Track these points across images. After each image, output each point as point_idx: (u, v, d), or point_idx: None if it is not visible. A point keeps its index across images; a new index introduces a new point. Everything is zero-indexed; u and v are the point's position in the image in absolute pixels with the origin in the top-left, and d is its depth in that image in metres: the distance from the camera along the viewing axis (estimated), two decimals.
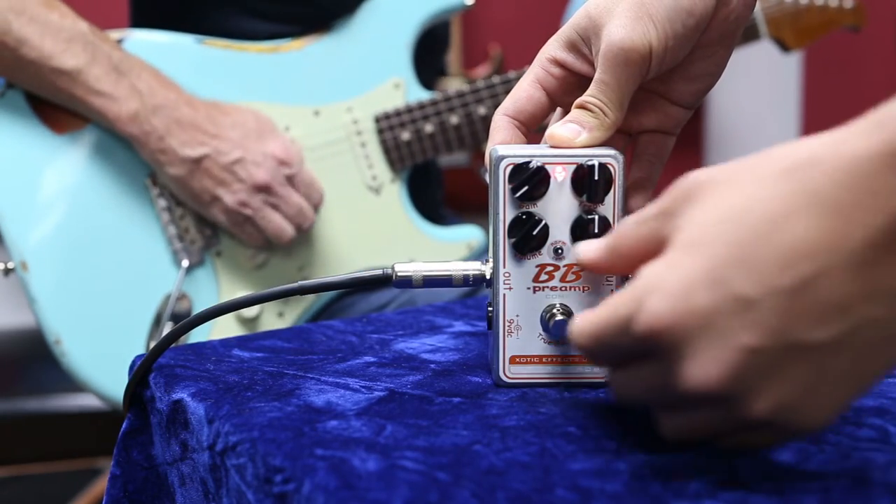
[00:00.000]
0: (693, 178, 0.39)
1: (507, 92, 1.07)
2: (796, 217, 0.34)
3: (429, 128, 1.08)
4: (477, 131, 1.10)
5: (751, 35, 1.17)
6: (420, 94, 1.10)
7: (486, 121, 1.09)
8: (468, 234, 1.12)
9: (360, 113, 1.08)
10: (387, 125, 1.08)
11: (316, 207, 1.02)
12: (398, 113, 1.08)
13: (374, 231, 1.09)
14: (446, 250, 1.11)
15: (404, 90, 1.09)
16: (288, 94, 1.07)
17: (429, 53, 1.15)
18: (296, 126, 1.06)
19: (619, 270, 0.43)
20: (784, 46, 1.21)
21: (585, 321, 0.40)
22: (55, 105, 1.00)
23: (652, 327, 0.36)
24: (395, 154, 1.09)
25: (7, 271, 1.00)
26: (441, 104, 1.09)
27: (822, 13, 1.19)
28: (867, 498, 0.37)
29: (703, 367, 0.35)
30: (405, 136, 1.08)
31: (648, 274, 0.38)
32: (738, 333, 0.35)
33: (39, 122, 1.01)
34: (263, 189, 0.98)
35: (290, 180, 0.99)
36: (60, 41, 0.94)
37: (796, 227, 0.34)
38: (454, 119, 1.09)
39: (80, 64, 0.95)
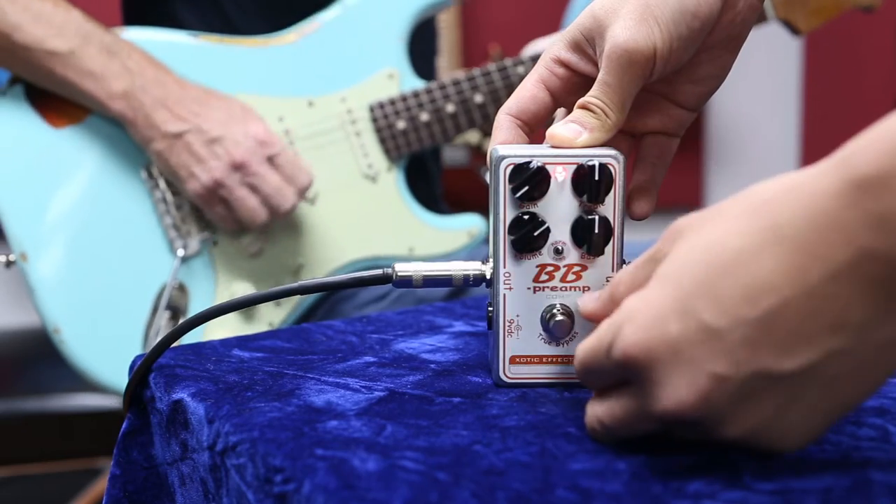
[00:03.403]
0: (681, 221, 0.41)
1: (504, 80, 1.09)
2: (761, 252, 0.36)
3: (424, 116, 1.09)
4: (474, 119, 1.10)
5: (758, 17, 1.14)
6: (415, 84, 1.10)
7: (483, 109, 1.09)
8: (469, 222, 1.11)
9: (355, 103, 1.09)
10: (381, 114, 1.08)
11: (302, 192, 1.02)
12: (392, 102, 1.09)
13: (372, 219, 1.09)
14: (446, 238, 1.10)
15: (398, 80, 1.10)
16: (282, 87, 1.08)
17: (417, 50, 1.16)
18: (290, 117, 1.07)
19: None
20: (794, 29, 1.14)
21: (579, 348, 0.43)
22: (53, 101, 1.02)
23: (626, 353, 0.38)
24: (390, 143, 1.09)
25: (9, 263, 1.01)
26: (436, 92, 1.09)
27: None
28: (867, 498, 0.37)
29: (675, 393, 0.37)
30: (400, 124, 1.09)
31: (627, 304, 0.40)
32: (707, 362, 0.36)
33: (38, 117, 1.02)
34: (240, 167, 0.98)
35: (271, 161, 1.00)
36: (53, 26, 0.97)
37: (761, 262, 0.36)
38: (450, 107, 1.09)
39: (73, 46, 0.97)
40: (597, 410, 0.43)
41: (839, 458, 0.41)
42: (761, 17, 1.12)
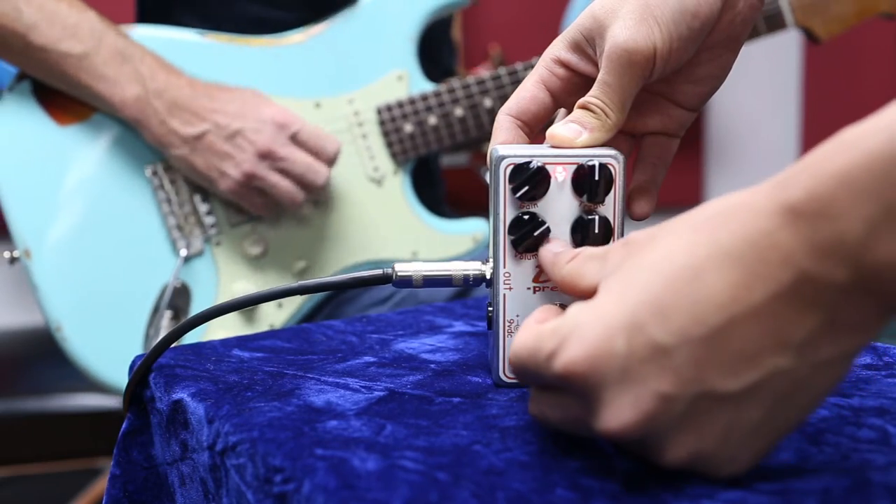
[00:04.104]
0: (634, 234, 0.41)
1: (514, 84, 1.08)
2: (706, 268, 0.36)
3: (432, 120, 1.08)
4: (483, 124, 1.09)
5: (776, 24, 1.11)
6: (424, 87, 1.10)
7: (492, 113, 1.08)
8: (473, 227, 1.11)
9: (362, 105, 1.08)
10: (388, 117, 1.08)
11: (332, 161, 1.02)
12: (400, 105, 1.08)
13: (377, 222, 1.09)
14: (450, 243, 1.10)
15: (408, 82, 1.09)
16: (289, 87, 1.07)
17: (426, 52, 1.15)
18: None
19: (552, 282, 0.47)
20: (813, 37, 1.13)
21: (516, 341, 0.42)
22: (60, 98, 1.02)
23: (568, 368, 0.37)
24: (397, 146, 1.08)
25: (12, 260, 1.02)
26: (445, 96, 1.08)
27: None
28: (866, 499, 0.37)
29: (618, 412, 0.36)
30: (408, 128, 1.08)
31: (575, 314, 0.39)
32: (653, 380, 0.36)
33: (45, 115, 1.03)
34: (267, 155, 0.98)
35: (294, 139, 1.00)
36: (68, 27, 0.97)
37: (706, 279, 0.36)
38: (459, 111, 1.08)
39: (87, 49, 0.97)
40: (541, 405, 0.42)
41: (838, 459, 0.41)
42: (780, 25, 1.11)
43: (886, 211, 0.32)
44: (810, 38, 1.14)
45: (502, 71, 1.09)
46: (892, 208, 0.32)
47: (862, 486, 0.38)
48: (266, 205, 1.02)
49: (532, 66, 1.07)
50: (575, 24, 0.53)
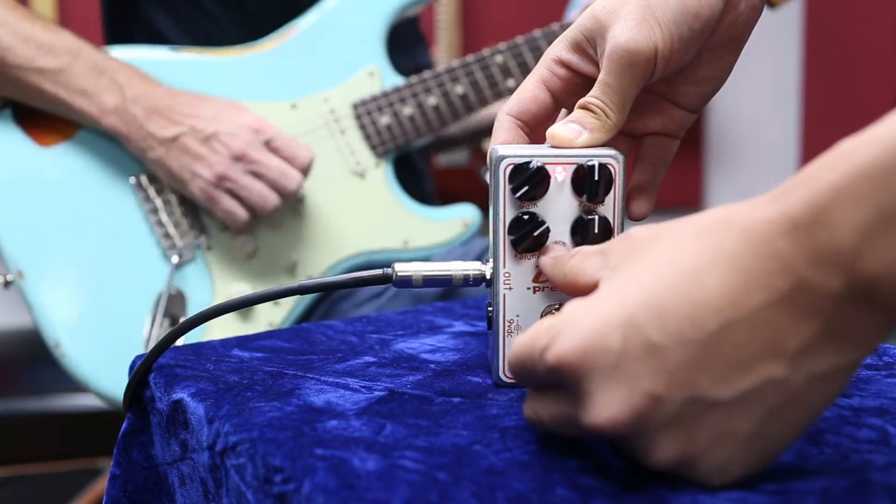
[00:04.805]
0: (635, 231, 0.41)
1: (483, 69, 1.09)
2: (706, 273, 0.36)
3: (407, 110, 1.09)
4: (457, 110, 1.10)
5: None
6: (397, 81, 1.11)
7: (466, 99, 1.10)
8: (463, 212, 1.11)
9: (338, 102, 1.10)
10: (364, 111, 1.09)
11: (305, 169, 1.02)
12: (374, 98, 1.09)
13: (364, 214, 1.10)
14: (441, 229, 1.11)
15: (380, 78, 1.11)
16: (263, 92, 1.09)
17: (400, 49, 1.16)
18: (273, 121, 1.08)
19: (556, 285, 0.47)
20: (769, 2, 1.15)
21: (515, 342, 0.42)
22: (41, 121, 1.04)
23: (559, 360, 0.38)
24: (375, 139, 1.10)
25: (6, 283, 1.03)
26: (417, 86, 1.09)
27: None
28: (866, 499, 0.37)
29: (608, 406, 0.36)
30: (384, 120, 1.09)
31: (570, 310, 0.39)
32: (646, 379, 0.36)
33: (26, 138, 1.05)
34: (241, 158, 0.99)
35: (268, 145, 1.01)
36: (43, 45, 0.99)
37: (706, 283, 0.36)
38: (432, 100, 1.09)
39: (62, 64, 0.99)
40: (535, 405, 0.42)
41: (838, 459, 0.41)
42: None
43: (882, 219, 0.32)
44: (766, 2, 1.16)
45: (471, 58, 1.10)
46: (887, 216, 0.32)
47: (862, 486, 0.38)
48: (236, 211, 1.01)
49: (500, 51, 1.09)
50: (576, 24, 0.53)
